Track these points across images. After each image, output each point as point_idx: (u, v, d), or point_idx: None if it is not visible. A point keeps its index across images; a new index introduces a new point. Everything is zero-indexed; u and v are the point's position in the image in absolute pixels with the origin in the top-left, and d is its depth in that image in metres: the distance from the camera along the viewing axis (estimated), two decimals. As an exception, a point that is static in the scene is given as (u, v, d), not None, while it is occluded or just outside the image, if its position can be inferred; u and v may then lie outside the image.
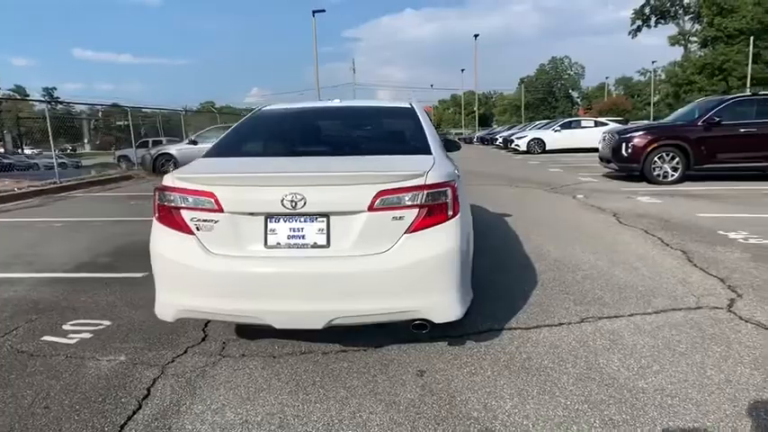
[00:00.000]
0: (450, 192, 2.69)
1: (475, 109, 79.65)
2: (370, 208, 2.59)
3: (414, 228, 2.63)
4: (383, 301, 2.63)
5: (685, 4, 70.31)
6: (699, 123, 10.78)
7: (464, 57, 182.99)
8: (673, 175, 10.85)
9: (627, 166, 11.38)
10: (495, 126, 78.37)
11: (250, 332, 3.38)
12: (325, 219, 2.63)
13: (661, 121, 12.97)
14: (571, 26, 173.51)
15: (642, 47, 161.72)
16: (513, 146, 25.12)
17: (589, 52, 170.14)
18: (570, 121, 25.12)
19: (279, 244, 2.65)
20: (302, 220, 2.63)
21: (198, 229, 2.67)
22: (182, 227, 2.72)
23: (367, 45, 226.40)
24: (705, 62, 61.38)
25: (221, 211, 2.63)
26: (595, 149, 13.99)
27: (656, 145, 10.80)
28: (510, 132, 30.14)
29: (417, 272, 2.62)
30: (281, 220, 2.64)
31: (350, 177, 2.66)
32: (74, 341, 3.54)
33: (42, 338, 3.61)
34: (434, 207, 2.65)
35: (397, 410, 2.54)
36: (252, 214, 2.64)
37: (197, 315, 2.81)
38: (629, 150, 11.07)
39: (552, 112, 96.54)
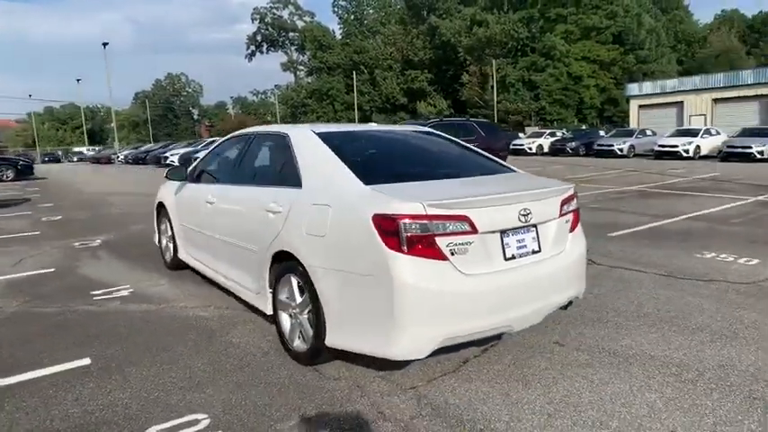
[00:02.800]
0: None
1: (83, 123, 69.94)
2: (559, 215, 3.13)
3: (571, 228, 3.27)
4: (567, 290, 3.19)
5: (290, 36, 79.93)
6: None
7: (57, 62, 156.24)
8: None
9: None
10: (114, 144, 70.51)
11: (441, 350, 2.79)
12: (534, 228, 2.99)
13: None
14: (178, 43, 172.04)
15: (259, 69, 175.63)
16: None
17: (207, 71, 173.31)
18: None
19: (513, 256, 2.88)
20: (523, 231, 2.94)
21: (453, 253, 2.65)
22: (437, 254, 2.62)
23: None
24: (314, 88, 71.40)
25: (475, 232, 2.69)
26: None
27: None
28: (189, 150, 27.46)
29: (579, 263, 3.30)
30: (511, 234, 2.88)
31: (550, 192, 3.12)
32: None
33: None
34: (577, 210, 3.35)
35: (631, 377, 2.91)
36: (493, 232, 2.79)
37: (455, 341, 2.75)
38: None
39: (175, 129, 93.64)
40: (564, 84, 46.09)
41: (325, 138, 3.44)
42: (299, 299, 3.18)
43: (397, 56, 63.45)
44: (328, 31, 75.17)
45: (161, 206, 5.53)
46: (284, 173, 3.51)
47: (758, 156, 19.26)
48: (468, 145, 4.18)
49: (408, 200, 2.63)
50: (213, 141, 29.64)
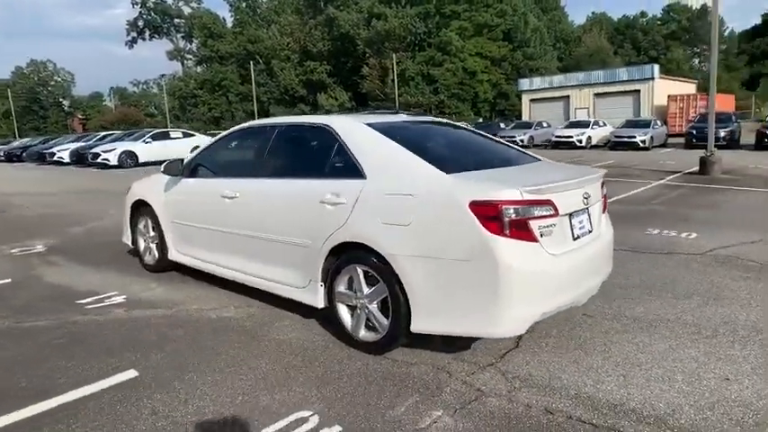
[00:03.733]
0: None
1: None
2: (601, 197, 3.50)
3: (604, 210, 3.60)
4: (608, 266, 3.57)
5: (176, 23, 75.01)
6: None
7: None
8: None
9: None
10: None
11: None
12: (587, 210, 3.27)
13: None
14: (43, 27, 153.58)
15: (140, 58, 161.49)
16: (100, 160, 20.68)
17: (80, 59, 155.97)
18: (160, 133, 23.48)
19: (578, 236, 3.14)
20: (582, 213, 3.21)
21: (541, 235, 2.84)
22: (531, 236, 2.81)
23: None
24: (205, 78, 67.78)
25: (557, 215, 2.91)
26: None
27: None
28: (82, 145, 24.75)
29: (611, 241, 3.63)
30: (575, 215, 3.13)
31: (597, 177, 3.45)
32: None
33: None
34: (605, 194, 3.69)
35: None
36: (566, 215, 3.04)
37: (545, 317, 2.96)
38: None
39: (43, 122, 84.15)
40: (460, 78, 48.30)
41: (378, 129, 3.45)
42: (366, 290, 3.19)
43: (294, 47, 62.30)
44: (218, 18, 71.67)
45: (140, 204, 5.11)
46: (335, 164, 3.46)
47: (641, 144, 21.80)
48: (487, 135, 4.39)
49: (506, 186, 2.78)
50: (110, 135, 26.99)
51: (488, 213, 2.72)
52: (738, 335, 3.41)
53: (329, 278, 3.39)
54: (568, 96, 35.99)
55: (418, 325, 2.96)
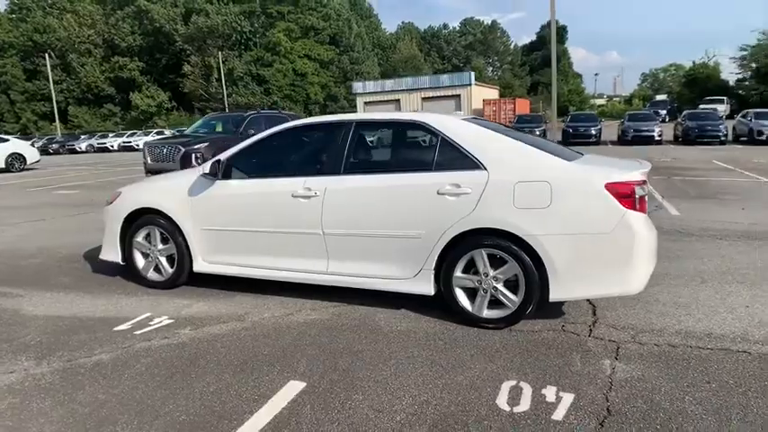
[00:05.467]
0: None
1: None
2: None
3: None
4: None
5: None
6: (239, 136, 12.00)
7: None
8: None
9: None
10: None
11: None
12: None
13: (194, 134, 13.00)
14: None
15: None
16: None
17: None
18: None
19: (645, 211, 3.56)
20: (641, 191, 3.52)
21: (641, 210, 3.42)
22: (644, 209, 3.43)
23: None
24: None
25: (645, 193, 3.46)
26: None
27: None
28: None
29: None
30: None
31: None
32: None
33: None
34: None
35: None
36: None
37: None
38: (200, 160, 11.26)
39: None
40: (291, 80, 48.35)
41: (476, 124, 3.74)
42: (491, 271, 3.48)
43: (97, 40, 55.30)
44: (-11, 1, 59.93)
45: (141, 213, 4.49)
46: (443, 158, 3.64)
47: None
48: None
49: (631, 170, 3.36)
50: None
51: (624, 192, 3.27)
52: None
53: (444, 265, 3.58)
54: (399, 100, 38.72)
55: (557, 294, 3.38)
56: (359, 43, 55.06)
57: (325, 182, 3.89)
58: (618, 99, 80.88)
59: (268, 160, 4.38)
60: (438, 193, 3.55)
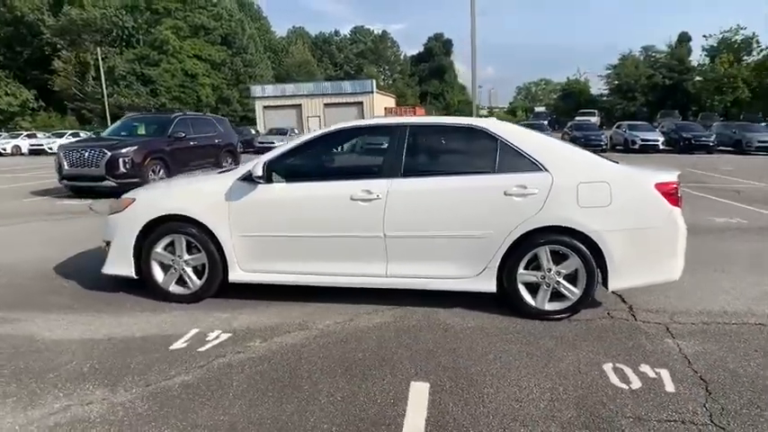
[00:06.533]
0: None
1: None
2: None
3: None
4: None
5: None
6: (167, 138, 11.58)
7: None
8: (163, 186, 11.32)
9: (127, 181, 10.45)
10: None
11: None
12: None
13: (116, 137, 11.77)
14: None
15: None
16: None
17: None
18: None
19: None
20: None
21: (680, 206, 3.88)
22: (680, 206, 3.84)
23: None
24: None
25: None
26: None
27: (150, 159, 10.96)
28: None
29: None
30: None
31: None
32: None
33: None
34: None
35: None
36: None
37: None
38: (129, 165, 10.54)
39: None
40: (181, 80, 45.62)
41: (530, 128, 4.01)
42: (554, 267, 3.76)
43: (-61, 26, 47.59)
44: None
45: (164, 220, 4.11)
46: (505, 161, 3.84)
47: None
48: None
49: (671, 173, 3.86)
50: None
51: (670, 191, 3.72)
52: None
53: (508, 263, 3.79)
54: (300, 105, 38.30)
55: (616, 284, 3.74)
56: (252, 45, 53.53)
57: (386, 184, 3.90)
58: (497, 110, 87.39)
59: (317, 163, 4.27)
60: (505, 195, 3.75)
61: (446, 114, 63.21)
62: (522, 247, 3.77)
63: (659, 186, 3.74)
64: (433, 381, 2.96)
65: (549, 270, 3.78)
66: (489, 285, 3.85)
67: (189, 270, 4.18)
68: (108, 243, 4.38)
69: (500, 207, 3.76)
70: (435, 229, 3.86)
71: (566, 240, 3.72)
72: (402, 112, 38.31)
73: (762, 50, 48.95)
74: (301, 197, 4.03)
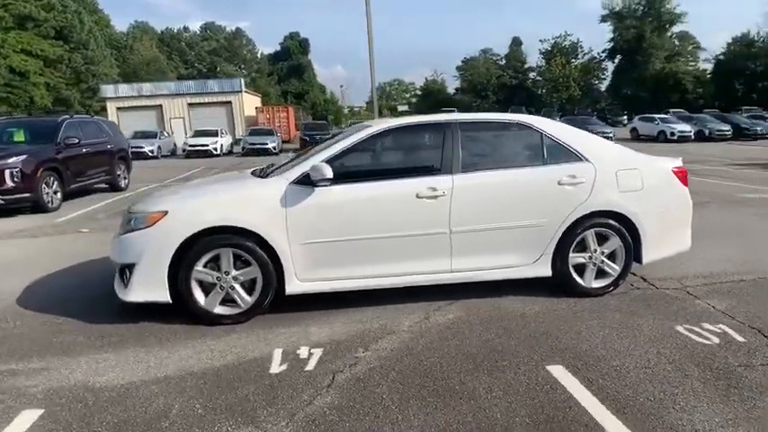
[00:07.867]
0: None
1: None
2: None
3: None
4: None
5: None
6: (57, 146, 10.02)
7: None
8: (58, 200, 9.79)
9: (17, 196, 8.99)
10: None
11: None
12: None
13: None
14: None
15: None
16: None
17: None
18: None
19: None
20: None
21: None
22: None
23: None
24: None
25: None
26: None
27: (42, 170, 9.33)
28: None
29: None
30: None
31: None
32: None
33: None
34: None
35: None
36: None
37: None
38: (17, 179, 8.93)
39: None
40: (6, 79, 39.11)
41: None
42: (598, 248, 4.16)
43: None
44: None
45: (209, 233, 3.67)
46: (551, 153, 4.14)
47: (273, 150, 24.71)
48: None
49: (678, 159, 4.49)
50: None
51: (682, 175, 4.36)
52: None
53: (562, 248, 4.10)
54: (161, 105, 35.29)
55: (648, 257, 4.25)
56: (92, 41, 47.72)
57: (448, 180, 3.95)
58: (359, 109, 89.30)
59: (371, 163, 4.14)
60: (558, 184, 4.04)
61: (314, 114, 63.08)
62: (573, 232, 4.11)
63: (676, 171, 4.35)
64: (567, 363, 3.13)
65: (595, 251, 4.17)
66: (546, 270, 4.13)
67: (238, 287, 3.80)
68: (127, 267, 3.79)
69: (555, 196, 4.05)
70: (497, 222, 4.02)
71: (609, 223, 4.14)
72: (274, 112, 37.41)
73: (585, 54, 57.22)
74: (364, 198, 3.89)
